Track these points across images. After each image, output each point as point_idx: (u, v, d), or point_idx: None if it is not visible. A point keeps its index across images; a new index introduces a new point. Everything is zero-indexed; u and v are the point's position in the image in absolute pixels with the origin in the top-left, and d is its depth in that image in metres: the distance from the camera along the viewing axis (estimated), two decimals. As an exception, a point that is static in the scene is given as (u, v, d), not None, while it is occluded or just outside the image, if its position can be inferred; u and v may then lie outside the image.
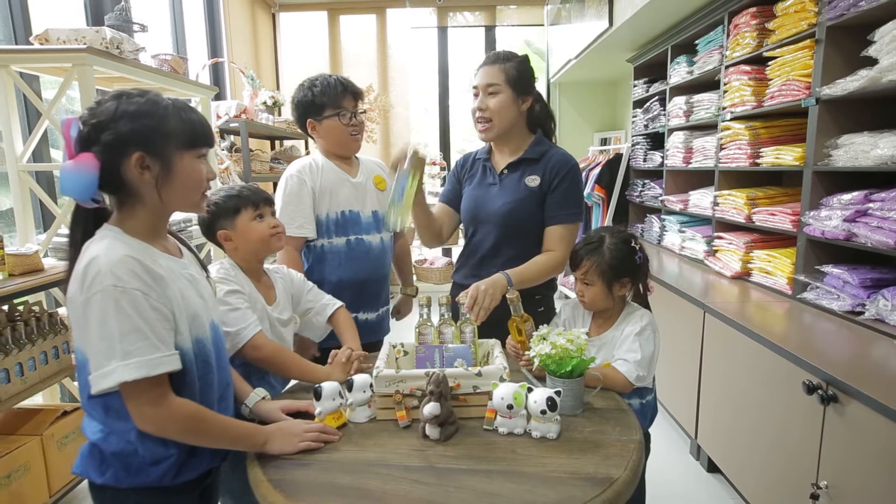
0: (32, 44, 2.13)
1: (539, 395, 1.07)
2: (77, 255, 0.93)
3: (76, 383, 2.41)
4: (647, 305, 1.45)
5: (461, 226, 1.79)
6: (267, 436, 1.04)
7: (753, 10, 2.41)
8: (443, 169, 5.43)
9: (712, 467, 2.27)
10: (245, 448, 1.04)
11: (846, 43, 1.92)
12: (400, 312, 2.05)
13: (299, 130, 1.84)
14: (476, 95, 1.60)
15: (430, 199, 5.71)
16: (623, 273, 1.36)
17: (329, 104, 1.71)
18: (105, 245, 0.91)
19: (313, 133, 1.76)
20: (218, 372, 1.05)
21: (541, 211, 1.59)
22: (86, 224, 0.96)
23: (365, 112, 1.80)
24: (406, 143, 1.64)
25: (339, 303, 1.56)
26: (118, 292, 0.87)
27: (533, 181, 1.59)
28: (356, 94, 1.76)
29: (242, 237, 1.36)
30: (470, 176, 1.73)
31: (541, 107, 1.67)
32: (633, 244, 1.38)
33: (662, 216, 3.50)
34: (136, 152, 0.92)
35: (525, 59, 1.61)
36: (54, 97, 2.15)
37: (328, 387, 1.14)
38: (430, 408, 1.06)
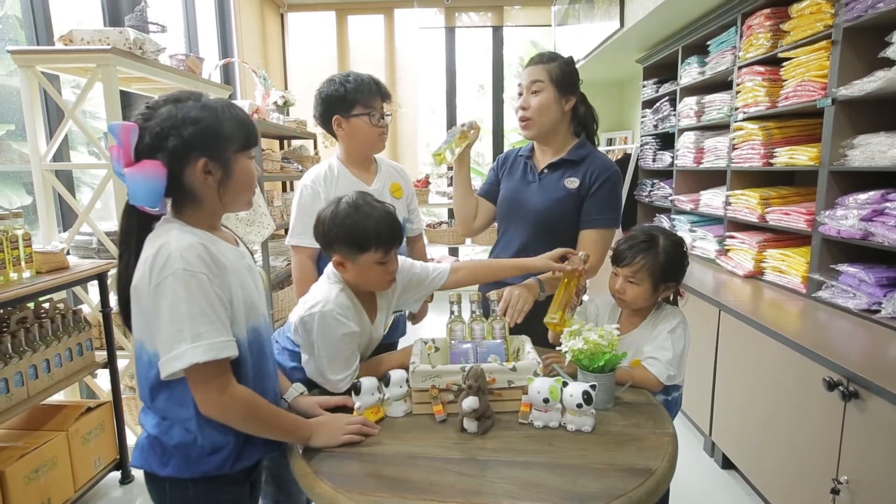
0: (55, 45, 2.16)
1: (575, 389, 1.10)
2: (136, 247, 0.96)
3: (96, 380, 2.45)
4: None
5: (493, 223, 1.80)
6: (312, 429, 1.06)
7: (767, 11, 2.43)
8: (450, 168, 5.45)
9: (727, 464, 2.29)
10: (292, 440, 1.06)
11: (863, 44, 1.95)
12: (415, 317, 1.95)
13: (319, 126, 1.75)
14: (521, 94, 1.63)
15: (438, 199, 5.67)
16: (672, 276, 1.36)
17: (360, 102, 1.66)
18: (174, 234, 0.94)
19: (338, 130, 1.70)
20: (271, 360, 1.08)
21: (576, 213, 1.60)
22: (139, 217, 0.98)
23: (391, 115, 1.77)
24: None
25: None
26: (187, 275, 0.90)
27: (572, 183, 1.60)
28: (386, 95, 1.73)
29: (357, 274, 1.26)
30: (510, 172, 1.75)
31: (585, 108, 1.68)
32: (684, 248, 1.38)
33: (672, 216, 3.52)
34: (200, 158, 0.95)
35: (570, 59, 1.63)
36: (78, 97, 2.17)
37: (367, 382, 1.17)
38: (470, 402, 1.08)
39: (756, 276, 2.53)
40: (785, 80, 2.35)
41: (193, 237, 0.95)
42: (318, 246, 1.65)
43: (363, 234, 1.21)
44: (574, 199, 1.61)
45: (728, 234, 2.79)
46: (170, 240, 0.93)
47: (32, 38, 2.41)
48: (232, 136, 0.98)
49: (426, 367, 1.19)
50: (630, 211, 4.22)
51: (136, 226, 0.99)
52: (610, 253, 1.49)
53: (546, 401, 1.10)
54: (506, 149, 1.82)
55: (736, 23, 2.71)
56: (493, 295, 1.40)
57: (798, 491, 1.75)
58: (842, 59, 1.98)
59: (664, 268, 1.34)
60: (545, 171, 1.66)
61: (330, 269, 1.31)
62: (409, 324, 2.00)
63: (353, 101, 1.66)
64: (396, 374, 1.19)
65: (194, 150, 0.94)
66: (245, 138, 1.00)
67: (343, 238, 1.22)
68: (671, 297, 1.45)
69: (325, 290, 1.26)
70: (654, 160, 3.88)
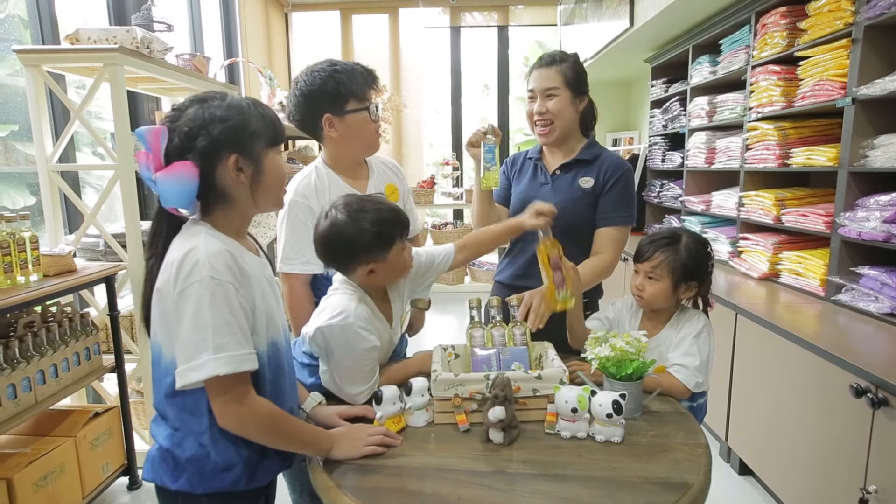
0: (61, 44, 2.12)
1: (604, 399, 1.06)
2: (163, 250, 0.94)
3: (103, 384, 2.42)
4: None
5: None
6: (333, 441, 1.03)
7: (783, 9, 2.39)
8: (455, 169, 5.42)
9: (743, 470, 2.25)
10: (312, 453, 1.03)
11: (884, 42, 1.91)
12: (412, 328, 1.78)
13: (298, 129, 1.51)
14: (532, 99, 1.60)
15: (444, 200, 5.62)
16: (693, 276, 1.33)
17: (355, 95, 1.44)
18: (202, 238, 0.92)
19: (329, 132, 1.46)
20: (289, 376, 1.05)
21: (592, 213, 1.58)
22: (169, 220, 0.97)
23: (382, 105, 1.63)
24: (478, 127, 1.54)
25: None
26: (214, 284, 0.88)
27: (587, 182, 1.58)
28: (377, 82, 1.50)
29: (389, 269, 1.21)
30: (519, 174, 1.72)
31: (588, 104, 1.66)
32: (708, 249, 1.36)
33: (682, 217, 3.48)
34: (231, 155, 0.93)
35: (577, 57, 1.60)
36: (85, 97, 2.14)
37: (388, 391, 1.13)
38: (497, 411, 1.04)
39: (771, 278, 2.49)
40: (802, 80, 2.32)
41: (221, 244, 0.92)
42: (312, 271, 1.48)
43: (388, 232, 1.19)
44: (589, 198, 1.59)
45: (741, 235, 2.75)
46: (198, 244, 0.90)
47: (37, 38, 2.37)
48: (260, 132, 0.96)
49: (449, 376, 1.15)
50: (639, 212, 4.18)
51: (164, 229, 0.97)
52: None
53: (574, 410, 1.07)
54: (511, 149, 1.78)
55: (750, 21, 2.67)
56: (513, 300, 1.36)
57: (823, 499, 1.71)
58: (862, 58, 1.95)
59: (685, 265, 1.32)
60: (557, 172, 1.64)
61: (340, 278, 1.26)
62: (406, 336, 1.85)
63: (346, 95, 1.43)
64: (418, 383, 1.16)
65: (224, 148, 0.92)
66: (273, 134, 0.99)
67: (369, 243, 1.17)
68: (698, 304, 1.41)
69: (344, 301, 1.19)
70: (663, 161, 3.84)
